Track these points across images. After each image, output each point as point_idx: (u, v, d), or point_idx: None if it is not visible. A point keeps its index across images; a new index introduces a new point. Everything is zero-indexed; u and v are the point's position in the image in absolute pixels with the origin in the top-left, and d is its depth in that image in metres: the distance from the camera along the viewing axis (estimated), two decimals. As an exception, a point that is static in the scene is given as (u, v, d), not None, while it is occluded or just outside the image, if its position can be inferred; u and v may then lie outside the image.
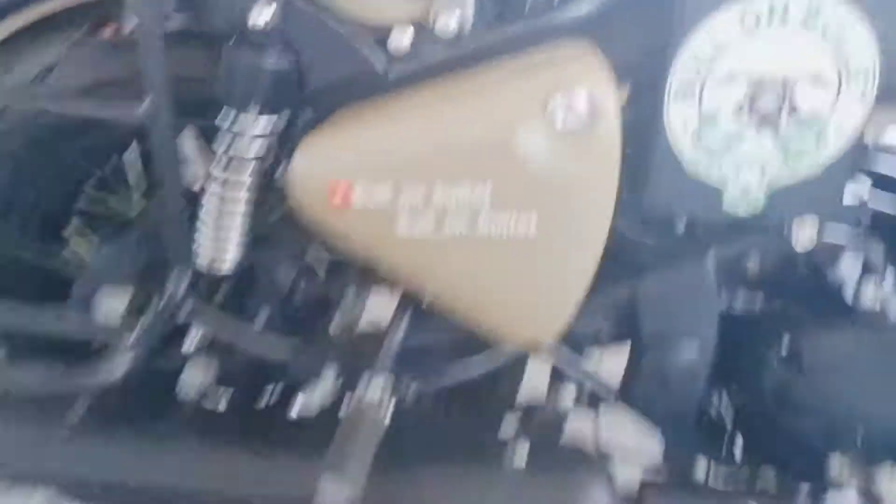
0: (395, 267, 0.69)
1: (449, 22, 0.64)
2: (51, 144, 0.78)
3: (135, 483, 0.77)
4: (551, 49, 0.63)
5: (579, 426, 0.84)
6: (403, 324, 0.77)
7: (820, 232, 0.67)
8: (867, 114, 0.62)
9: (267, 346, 0.79)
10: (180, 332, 0.81)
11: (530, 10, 0.66)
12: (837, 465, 0.73)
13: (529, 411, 0.83)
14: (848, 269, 0.70)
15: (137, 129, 0.69)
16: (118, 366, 0.74)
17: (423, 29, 0.65)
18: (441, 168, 0.62)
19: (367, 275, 0.82)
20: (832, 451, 0.74)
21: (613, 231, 0.65)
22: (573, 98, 0.58)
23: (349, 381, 0.77)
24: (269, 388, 0.90)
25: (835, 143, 0.62)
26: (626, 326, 0.75)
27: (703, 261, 0.71)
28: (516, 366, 0.82)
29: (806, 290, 0.72)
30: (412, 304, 0.79)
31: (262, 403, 0.91)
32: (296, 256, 0.82)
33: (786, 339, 0.73)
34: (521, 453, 0.75)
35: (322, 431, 0.68)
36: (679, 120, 0.62)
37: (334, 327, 0.90)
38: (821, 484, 0.76)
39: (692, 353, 0.72)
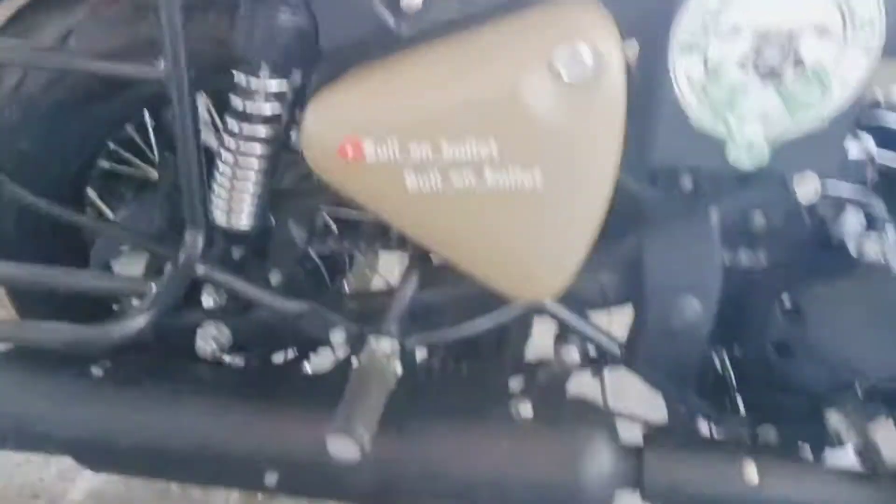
0: (406, 222, 0.70)
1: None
2: (73, 106, 0.80)
3: (152, 442, 0.79)
4: (557, 4, 0.63)
5: (585, 383, 0.85)
6: (413, 282, 0.79)
7: (823, 185, 0.67)
8: (873, 67, 0.62)
9: (281, 304, 0.81)
10: (198, 291, 0.84)
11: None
12: (836, 419, 0.74)
13: (536, 368, 0.85)
14: (851, 222, 0.71)
15: (156, 90, 0.71)
16: (137, 323, 0.76)
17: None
18: (449, 123, 0.63)
19: (379, 234, 0.84)
20: (832, 405, 0.75)
21: (619, 186, 0.67)
22: (578, 50, 0.59)
23: (360, 339, 0.78)
24: (284, 346, 0.92)
25: (840, 96, 0.63)
26: (631, 283, 0.76)
27: (707, 215, 0.71)
28: (523, 324, 0.84)
29: (809, 244, 0.73)
30: (422, 263, 0.80)
31: (277, 361, 0.93)
32: (310, 216, 0.83)
33: (788, 293, 0.74)
34: (526, 408, 0.76)
35: (334, 388, 0.70)
36: (684, 73, 0.63)
37: (347, 285, 0.92)
38: (820, 439, 0.77)
39: (696, 308, 0.73)
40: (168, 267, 0.80)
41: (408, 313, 0.79)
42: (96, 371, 0.81)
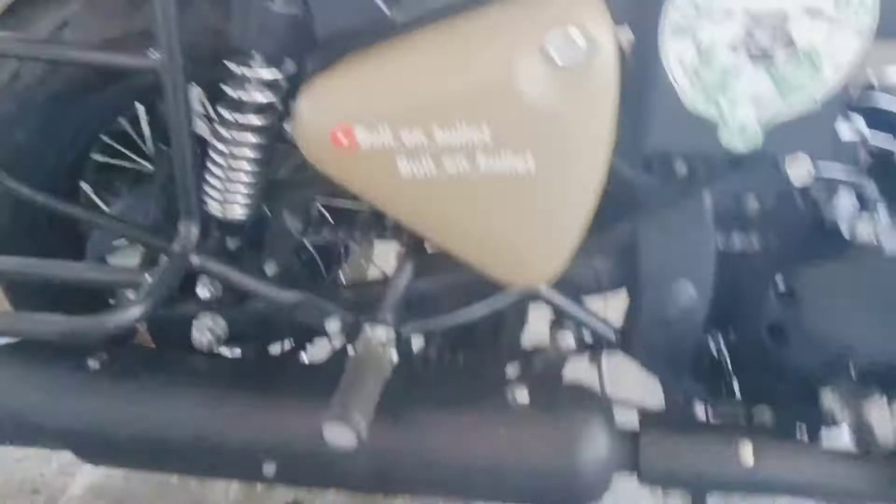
0: (400, 210, 0.71)
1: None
2: (68, 98, 0.80)
3: (149, 433, 0.79)
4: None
5: (581, 368, 0.85)
6: (408, 271, 0.79)
7: (816, 167, 0.67)
8: (865, 48, 0.62)
9: (276, 294, 0.81)
10: (193, 282, 0.84)
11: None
12: (830, 400, 0.75)
13: (532, 354, 0.85)
14: (844, 204, 0.71)
15: (150, 82, 0.71)
16: (132, 314, 0.76)
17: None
18: (441, 108, 0.63)
19: (374, 223, 0.84)
20: (826, 386, 0.75)
21: (612, 171, 0.67)
22: (570, 34, 0.59)
23: (356, 328, 0.78)
24: (280, 336, 0.92)
25: (831, 78, 0.63)
26: (626, 268, 0.77)
27: (701, 199, 0.72)
28: (519, 310, 0.84)
29: (802, 227, 0.73)
30: (417, 252, 0.80)
31: (274, 351, 0.93)
32: (305, 206, 0.83)
33: (782, 275, 0.74)
34: (523, 394, 0.77)
35: (331, 377, 0.70)
36: (676, 57, 0.63)
37: (342, 275, 0.92)
38: (815, 420, 0.77)
39: (691, 292, 0.73)
40: (163, 258, 0.80)
41: (403, 301, 0.79)
42: (92, 363, 0.81)
